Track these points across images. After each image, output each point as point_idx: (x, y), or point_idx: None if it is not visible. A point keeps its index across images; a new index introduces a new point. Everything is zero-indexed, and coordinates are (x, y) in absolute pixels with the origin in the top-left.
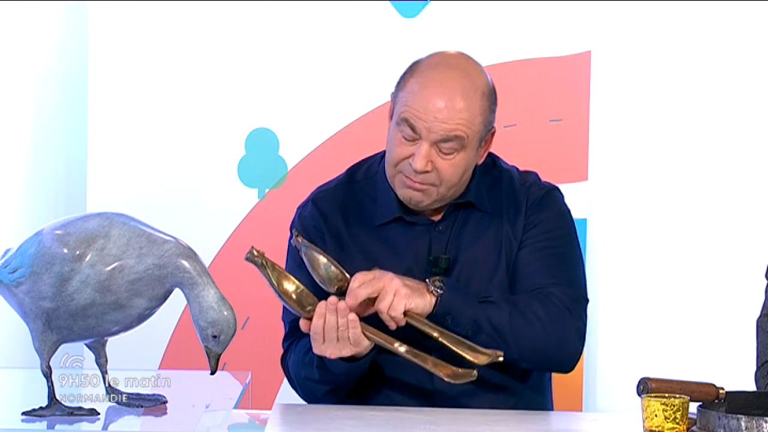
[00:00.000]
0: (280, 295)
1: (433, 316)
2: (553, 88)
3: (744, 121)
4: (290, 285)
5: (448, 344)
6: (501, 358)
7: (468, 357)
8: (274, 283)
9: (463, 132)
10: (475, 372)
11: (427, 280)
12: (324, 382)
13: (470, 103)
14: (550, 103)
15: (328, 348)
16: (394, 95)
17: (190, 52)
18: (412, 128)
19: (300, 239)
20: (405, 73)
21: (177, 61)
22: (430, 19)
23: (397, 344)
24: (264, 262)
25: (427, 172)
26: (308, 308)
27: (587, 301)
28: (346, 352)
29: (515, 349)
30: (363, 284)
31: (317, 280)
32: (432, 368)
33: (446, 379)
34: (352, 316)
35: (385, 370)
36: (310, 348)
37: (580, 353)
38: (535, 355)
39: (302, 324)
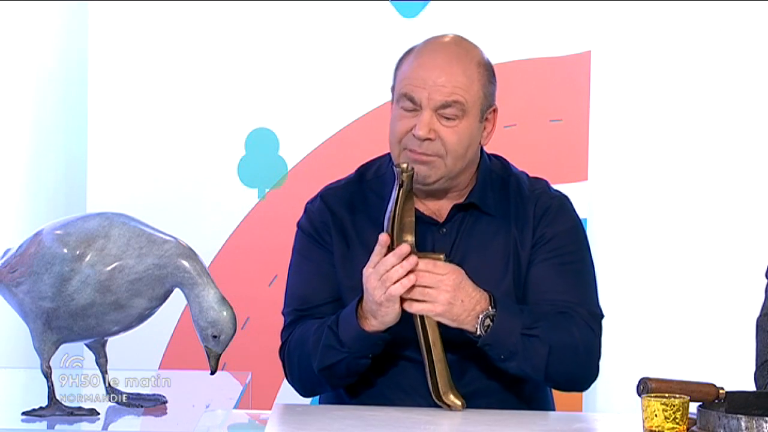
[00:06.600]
0: (393, 217)
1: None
2: (553, 88)
3: (744, 121)
4: (408, 219)
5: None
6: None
7: (440, 385)
8: (398, 207)
9: (462, 97)
10: (460, 406)
11: (480, 316)
12: (330, 348)
13: (466, 68)
14: (550, 103)
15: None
16: (393, 84)
17: (190, 52)
18: (412, 100)
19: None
20: (400, 60)
21: (177, 61)
22: (430, 19)
23: (422, 339)
24: (409, 185)
25: (430, 140)
26: (397, 241)
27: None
28: (378, 296)
29: (543, 374)
30: (425, 271)
31: None
32: (429, 378)
33: (435, 399)
34: (413, 277)
35: (385, 369)
36: (321, 325)
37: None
38: (562, 380)
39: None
